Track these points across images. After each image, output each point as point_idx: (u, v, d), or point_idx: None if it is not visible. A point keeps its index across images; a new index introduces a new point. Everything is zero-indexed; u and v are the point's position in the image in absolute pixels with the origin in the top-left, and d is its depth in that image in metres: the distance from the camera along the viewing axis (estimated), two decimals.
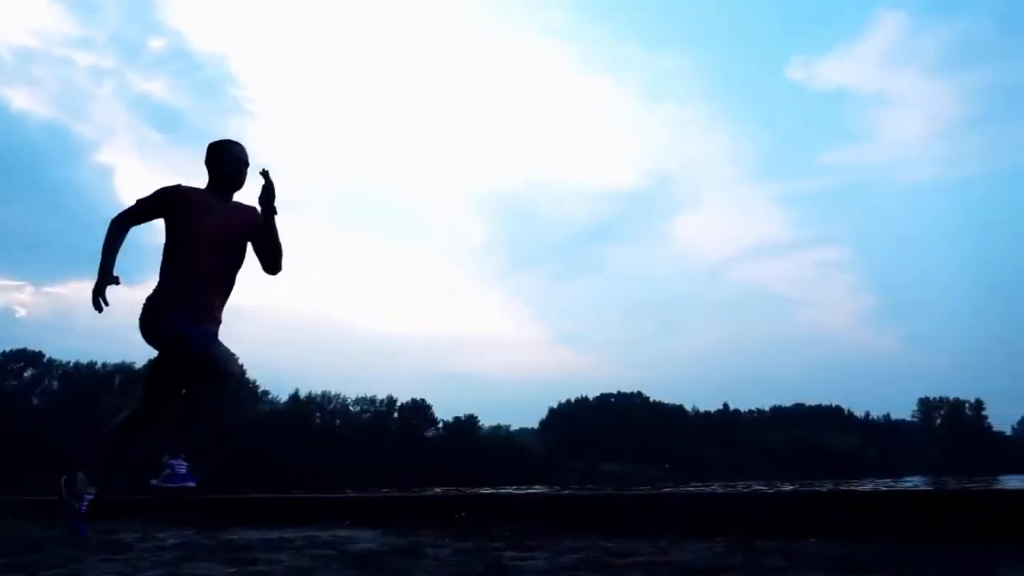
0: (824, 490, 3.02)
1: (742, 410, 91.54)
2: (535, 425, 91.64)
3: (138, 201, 3.12)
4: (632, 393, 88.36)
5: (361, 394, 79.23)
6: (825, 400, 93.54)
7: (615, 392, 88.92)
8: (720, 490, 4.41)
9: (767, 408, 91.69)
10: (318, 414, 75.99)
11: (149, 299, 3.04)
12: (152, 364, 3.18)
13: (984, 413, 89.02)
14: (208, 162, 3.21)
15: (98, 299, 2.95)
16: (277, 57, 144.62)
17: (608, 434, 79.88)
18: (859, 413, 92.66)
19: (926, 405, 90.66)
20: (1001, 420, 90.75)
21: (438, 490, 4.27)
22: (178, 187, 3.15)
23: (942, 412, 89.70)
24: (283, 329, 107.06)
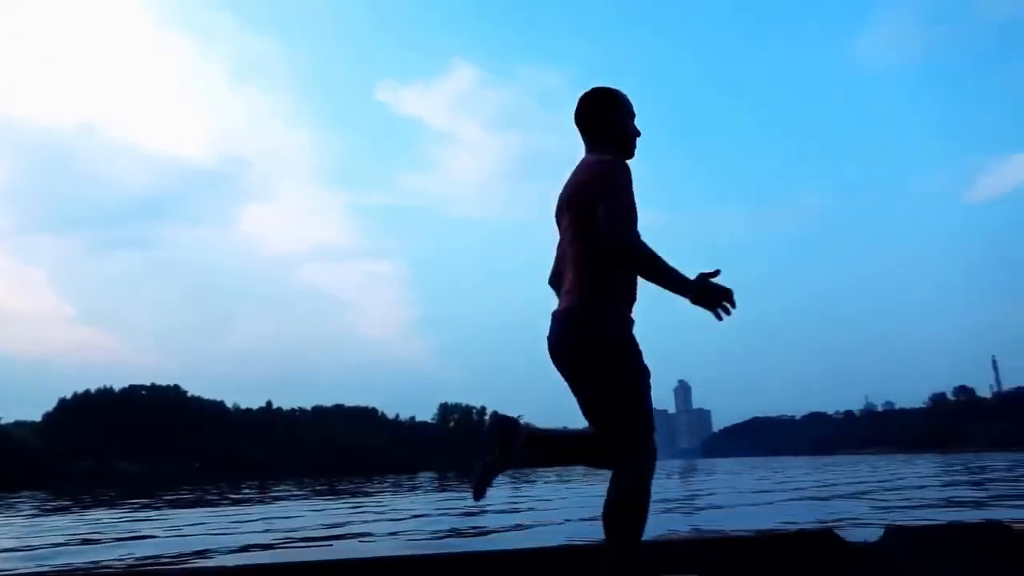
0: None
1: (284, 408, 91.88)
2: (38, 418, 76.91)
3: (627, 194, 2.09)
4: (168, 386, 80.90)
5: None
6: (363, 401, 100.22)
7: (148, 384, 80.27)
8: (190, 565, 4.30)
9: (309, 407, 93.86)
10: None
11: (610, 296, 2.11)
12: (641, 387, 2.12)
13: (486, 418, 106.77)
14: (610, 121, 2.28)
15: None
16: None
17: (132, 431, 71.54)
18: (390, 414, 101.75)
19: (444, 409, 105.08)
20: None
21: None
22: None
23: (456, 416, 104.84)
24: None
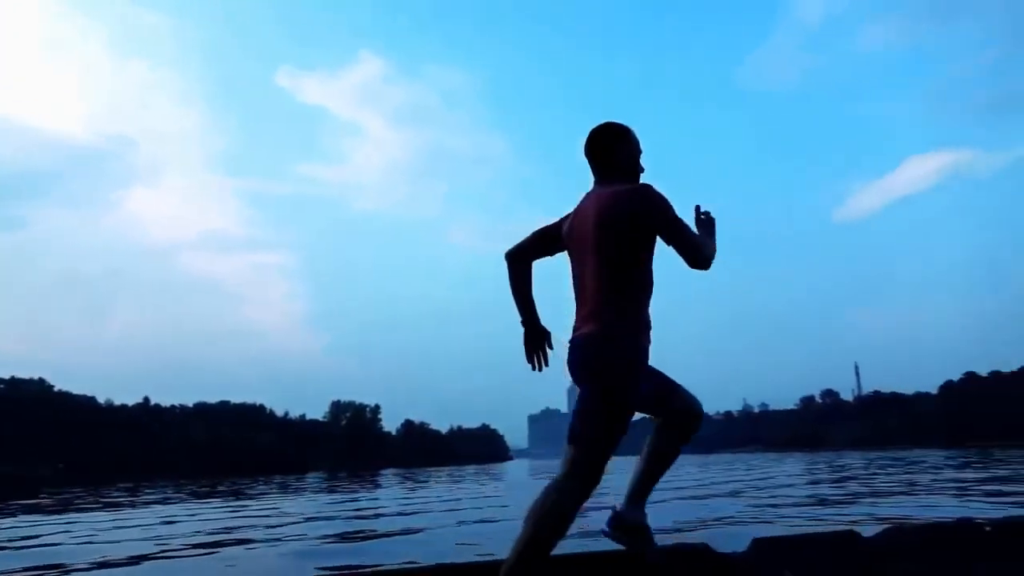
0: None
1: (164, 405, 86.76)
2: None
3: (677, 213, 2.26)
4: (31, 380, 74.57)
5: None
6: (250, 398, 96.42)
7: (7, 377, 73.70)
8: None
9: (191, 404, 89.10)
10: None
11: (631, 323, 2.22)
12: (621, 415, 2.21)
13: (380, 416, 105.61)
14: (624, 154, 2.38)
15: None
16: None
17: None
18: (280, 412, 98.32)
19: (336, 407, 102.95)
20: (390, 422, 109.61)
21: None
22: None
23: (348, 415, 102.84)
24: None
